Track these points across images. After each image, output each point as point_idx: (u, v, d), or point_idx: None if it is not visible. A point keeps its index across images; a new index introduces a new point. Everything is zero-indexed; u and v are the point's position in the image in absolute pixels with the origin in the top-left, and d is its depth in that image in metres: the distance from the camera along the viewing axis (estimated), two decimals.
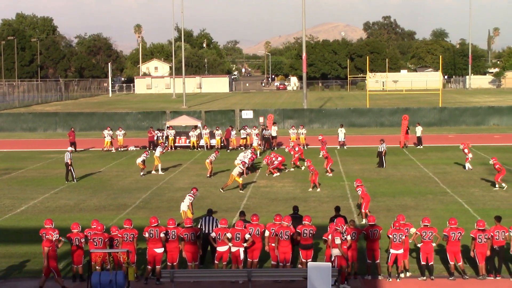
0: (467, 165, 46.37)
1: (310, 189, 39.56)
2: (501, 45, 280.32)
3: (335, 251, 23.14)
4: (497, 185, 39.59)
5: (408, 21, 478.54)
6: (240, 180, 40.31)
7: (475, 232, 23.64)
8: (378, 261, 24.05)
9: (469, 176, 44.26)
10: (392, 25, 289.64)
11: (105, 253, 22.90)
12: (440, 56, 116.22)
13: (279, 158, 45.97)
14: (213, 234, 23.92)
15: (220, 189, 40.12)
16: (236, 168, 41.04)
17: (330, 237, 23.34)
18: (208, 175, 44.83)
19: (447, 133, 71.77)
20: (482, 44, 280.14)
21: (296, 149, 49.69)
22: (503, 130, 74.06)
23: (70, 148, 48.02)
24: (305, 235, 23.78)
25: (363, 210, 31.81)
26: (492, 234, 23.75)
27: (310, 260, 23.75)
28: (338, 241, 23.04)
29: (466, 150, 46.48)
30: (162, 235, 23.52)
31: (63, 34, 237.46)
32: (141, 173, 46.07)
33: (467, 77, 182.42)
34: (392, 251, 23.73)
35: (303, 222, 24.04)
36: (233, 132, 60.89)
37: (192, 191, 31.01)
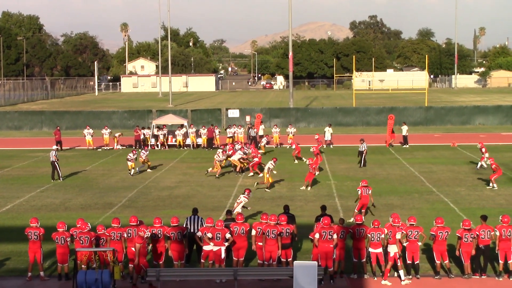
0: (482, 163, 46.17)
1: (303, 187, 39.49)
2: (486, 45, 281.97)
3: (393, 248, 23.43)
4: (491, 184, 39.81)
5: (394, 21, 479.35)
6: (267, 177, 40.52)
7: (461, 231, 23.70)
8: (364, 260, 24.08)
9: (455, 175, 44.40)
10: (379, 25, 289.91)
11: (91, 252, 22.84)
12: (426, 56, 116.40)
13: (255, 159, 45.15)
14: (199, 233, 23.89)
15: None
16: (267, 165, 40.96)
17: (316, 235, 23.39)
18: (217, 176, 44.00)
19: (433, 132, 71.96)
20: (468, 43, 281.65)
21: (293, 146, 50.48)
22: (489, 130, 74.31)
23: (55, 147, 47.84)
24: (282, 234, 23.81)
25: (355, 210, 31.92)
26: (477, 233, 23.83)
27: (290, 259, 23.79)
28: (398, 235, 23.43)
29: (483, 149, 46.45)
30: (140, 233, 23.47)
31: (49, 32, 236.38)
32: (131, 172, 45.86)
33: (453, 76, 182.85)
34: (371, 250, 23.79)
35: (280, 222, 24.06)
36: (217, 131, 60.85)
37: (245, 192, 30.87)
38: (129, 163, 45.79)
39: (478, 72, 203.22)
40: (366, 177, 40.30)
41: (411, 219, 24.16)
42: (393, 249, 23.56)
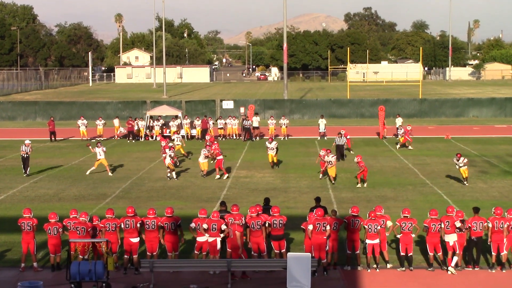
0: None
1: (358, 185, 38.39)
2: (481, 37, 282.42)
3: (452, 237, 23.57)
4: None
5: (389, 13, 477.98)
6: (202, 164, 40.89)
7: (429, 221, 23.75)
8: (358, 252, 24.11)
9: (448, 167, 44.40)
10: (373, 17, 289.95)
11: (86, 242, 22.80)
12: (421, 48, 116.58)
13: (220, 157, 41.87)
14: (192, 225, 23.87)
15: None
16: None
17: (310, 227, 23.40)
18: (204, 174, 41.55)
19: (427, 124, 72.03)
20: (462, 36, 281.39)
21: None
22: (482, 122, 74.42)
23: (27, 141, 45.41)
24: (275, 225, 23.80)
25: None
26: (470, 225, 23.87)
27: (284, 250, 23.81)
28: (458, 224, 23.56)
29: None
30: (138, 225, 23.49)
31: (43, 22, 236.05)
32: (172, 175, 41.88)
33: (447, 69, 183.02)
34: (368, 241, 23.83)
35: (272, 213, 24.06)
36: (211, 122, 60.80)
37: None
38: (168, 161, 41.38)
39: (472, 64, 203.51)
40: (360, 168, 39.91)
41: (405, 211, 24.19)
42: (452, 238, 23.65)
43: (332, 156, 39.40)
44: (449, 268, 23.59)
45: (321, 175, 40.49)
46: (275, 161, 44.43)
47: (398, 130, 54.34)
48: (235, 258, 23.02)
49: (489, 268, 23.97)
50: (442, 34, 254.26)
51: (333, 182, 38.99)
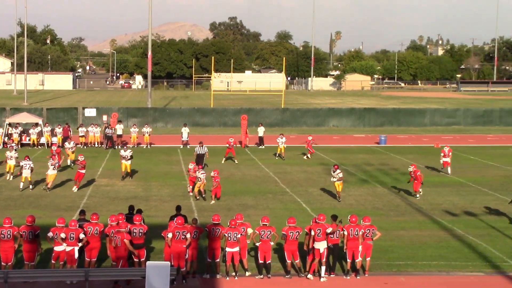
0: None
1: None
2: (342, 49, 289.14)
3: (322, 244, 23.88)
4: (417, 195, 38.41)
5: (253, 23, 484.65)
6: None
7: (287, 229, 24.21)
8: (218, 260, 24.26)
9: (308, 176, 45.29)
10: (238, 26, 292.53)
11: None
12: (284, 58, 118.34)
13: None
14: (50, 234, 23.48)
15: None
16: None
17: (169, 235, 23.42)
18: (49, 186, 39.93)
19: (289, 133, 72.90)
20: (325, 47, 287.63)
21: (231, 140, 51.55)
22: (342, 131, 76.21)
23: None
24: (134, 234, 23.70)
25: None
26: (327, 231, 24.39)
27: (143, 259, 23.72)
28: (329, 230, 24.07)
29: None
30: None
31: None
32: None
33: (309, 79, 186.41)
34: (228, 249, 24.02)
35: (134, 221, 23.98)
36: (72, 130, 59.93)
37: None
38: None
39: (333, 75, 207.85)
40: (221, 177, 40.01)
41: (264, 219, 24.51)
42: (322, 245, 23.93)
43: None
44: (309, 275, 24.05)
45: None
46: (128, 170, 43.47)
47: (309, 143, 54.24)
48: (124, 266, 22.98)
49: (344, 275, 24.55)
50: (305, 44, 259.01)
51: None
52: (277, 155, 53.33)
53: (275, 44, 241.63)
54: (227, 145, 51.03)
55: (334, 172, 37.42)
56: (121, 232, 23.20)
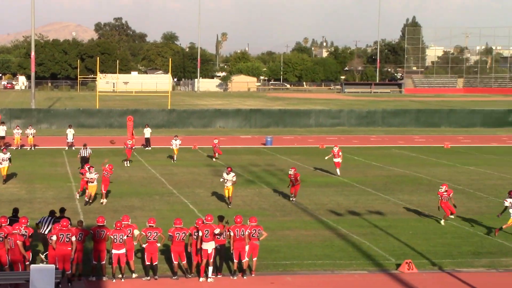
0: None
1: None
2: (228, 50, 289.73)
3: (210, 245, 23.88)
4: (443, 221, 33.30)
5: (139, 23, 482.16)
6: None
7: (173, 230, 24.23)
8: (103, 262, 24.03)
9: (195, 177, 45.35)
10: (124, 27, 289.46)
11: None
12: (170, 59, 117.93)
13: None
14: None
15: None
16: None
17: (53, 238, 23.07)
18: None
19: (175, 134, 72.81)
20: (211, 48, 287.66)
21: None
22: (229, 132, 76.53)
23: None
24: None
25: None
26: (231, 231, 24.46)
27: (28, 263, 23.23)
28: (217, 231, 24.12)
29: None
30: None
31: None
32: None
33: (196, 80, 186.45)
34: (114, 251, 23.84)
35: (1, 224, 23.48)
36: None
37: None
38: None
39: (220, 76, 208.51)
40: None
41: (151, 221, 24.44)
42: (210, 246, 23.88)
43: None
44: (201, 279, 24.05)
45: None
46: (4, 173, 42.13)
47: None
48: (17, 270, 22.41)
49: (231, 275, 24.67)
50: (191, 46, 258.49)
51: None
52: (174, 159, 52.74)
53: (161, 45, 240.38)
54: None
55: (228, 174, 36.08)
56: (14, 234, 22.73)
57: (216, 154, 53.65)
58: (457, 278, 24.77)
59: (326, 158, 47.36)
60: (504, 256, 27.55)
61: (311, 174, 47.19)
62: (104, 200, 36.35)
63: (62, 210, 26.03)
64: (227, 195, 36.47)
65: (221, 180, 36.60)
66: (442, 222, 32.99)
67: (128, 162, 50.18)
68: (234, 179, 36.30)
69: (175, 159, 52.39)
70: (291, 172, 37.72)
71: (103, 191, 36.68)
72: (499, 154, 60.09)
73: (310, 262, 26.40)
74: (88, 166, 37.08)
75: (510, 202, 30.66)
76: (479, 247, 28.93)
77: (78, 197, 37.56)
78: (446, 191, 32.91)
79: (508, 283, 24.51)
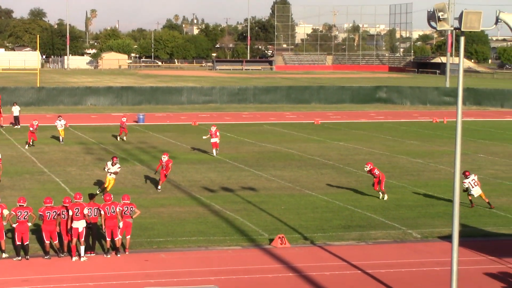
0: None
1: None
2: (98, 27, 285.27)
3: (81, 223, 23.63)
4: (381, 195, 33.94)
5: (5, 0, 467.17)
6: None
7: (44, 209, 23.92)
8: None
9: (66, 155, 44.70)
10: None
11: None
12: (37, 36, 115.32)
13: None
14: None
15: None
16: None
17: None
18: None
19: (45, 112, 71.50)
20: (80, 25, 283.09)
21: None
22: (100, 110, 75.66)
23: None
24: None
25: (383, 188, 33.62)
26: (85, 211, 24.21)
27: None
28: (86, 211, 23.85)
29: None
30: None
31: None
32: None
33: (65, 57, 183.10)
34: None
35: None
36: None
37: None
38: None
39: (90, 53, 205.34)
40: None
41: (20, 200, 24.04)
42: (81, 224, 23.56)
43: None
44: (74, 258, 23.79)
45: None
46: None
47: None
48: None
49: (104, 254, 24.48)
50: (60, 22, 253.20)
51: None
52: (61, 140, 51.10)
53: (28, 21, 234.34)
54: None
55: (114, 165, 33.53)
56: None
57: (122, 132, 52.07)
58: (329, 252, 25.33)
59: (204, 137, 47.02)
60: (373, 229, 28.33)
61: (184, 151, 47.21)
62: None
63: None
64: (107, 186, 33.47)
65: (105, 169, 34.02)
66: (386, 196, 33.76)
67: None
68: (119, 170, 33.96)
69: (61, 140, 50.83)
70: (165, 158, 35.21)
71: None
72: (367, 129, 61.51)
73: (184, 239, 26.46)
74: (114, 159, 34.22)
75: (469, 182, 31.76)
76: (349, 221, 29.65)
77: None
78: (371, 169, 34.05)
79: (377, 254, 25.22)
